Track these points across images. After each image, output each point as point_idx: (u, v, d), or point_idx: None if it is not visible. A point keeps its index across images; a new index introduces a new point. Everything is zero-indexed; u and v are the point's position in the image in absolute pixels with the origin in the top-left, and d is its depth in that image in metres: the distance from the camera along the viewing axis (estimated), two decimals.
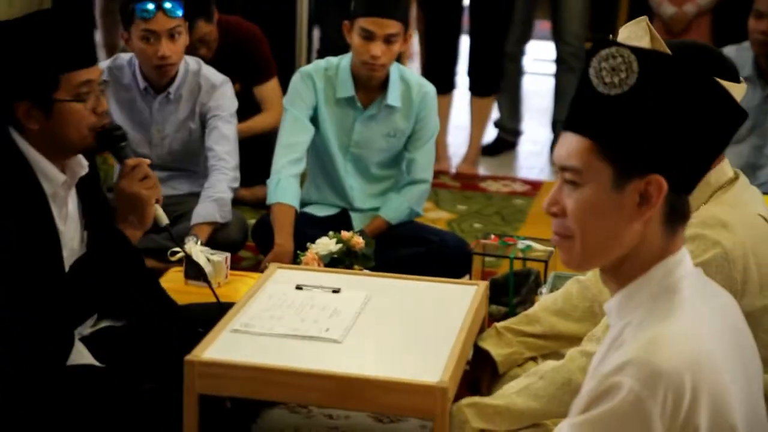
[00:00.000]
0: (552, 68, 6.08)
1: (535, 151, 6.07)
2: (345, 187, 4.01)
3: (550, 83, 6.12)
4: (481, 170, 5.58)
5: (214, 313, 2.78)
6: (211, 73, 3.99)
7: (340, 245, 3.35)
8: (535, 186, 5.34)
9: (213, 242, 3.65)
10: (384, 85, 3.90)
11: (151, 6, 3.73)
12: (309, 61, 5.39)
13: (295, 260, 3.49)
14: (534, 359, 2.78)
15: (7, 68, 2.48)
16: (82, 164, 2.62)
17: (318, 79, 3.92)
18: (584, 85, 1.69)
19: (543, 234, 3.26)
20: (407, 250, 3.83)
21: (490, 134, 5.95)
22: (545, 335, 2.77)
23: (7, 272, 2.42)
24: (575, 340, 2.77)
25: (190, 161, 4.07)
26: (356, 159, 4.00)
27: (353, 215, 4.02)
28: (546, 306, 2.80)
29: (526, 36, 5.91)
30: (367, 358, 2.45)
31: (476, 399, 2.46)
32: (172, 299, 2.89)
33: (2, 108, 2.49)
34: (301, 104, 3.90)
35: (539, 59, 7.39)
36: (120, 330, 2.77)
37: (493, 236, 3.55)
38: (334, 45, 4.84)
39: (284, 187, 3.81)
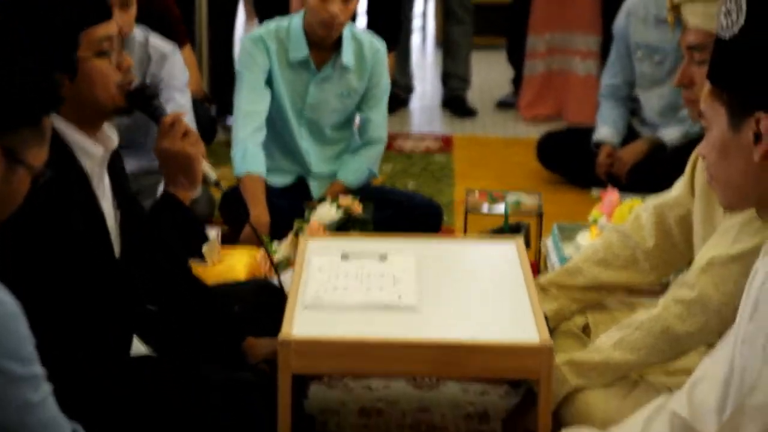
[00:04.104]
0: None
1: (427, 105, 6.07)
2: (301, 151, 3.90)
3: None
4: None
5: (244, 292, 2.68)
6: (159, 43, 3.79)
7: (341, 211, 3.26)
8: (447, 141, 5.34)
9: None
10: (337, 44, 3.80)
11: None
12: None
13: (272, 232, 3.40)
14: (581, 312, 2.77)
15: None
16: (112, 137, 2.45)
17: (270, 41, 3.79)
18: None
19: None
20: (376, 214, 3.76)
21: None
22: (589, 286, 2.76)
23: (61, 263, 2.24)
24: (619, 289, 2.79)
25: (138, 135, 3.87)
26: (311, 122, 3.89)
27: (311, 181, 3.91)
28: (587, 257, 2.79)
29: None
30: (452, 323, 2.38)
31: (572, 356, 2.44)
32: (201, 280, 2.74)
33: None
34: (256, 68, 3.76)
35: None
36: (157, 314, 2.61)
37: (478, 193, 3.52)
38: None
39: (252, 156, 3.68)
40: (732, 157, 1.74)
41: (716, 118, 1.76)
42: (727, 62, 1.73)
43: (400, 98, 5.95)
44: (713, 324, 2.34)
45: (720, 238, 2.38)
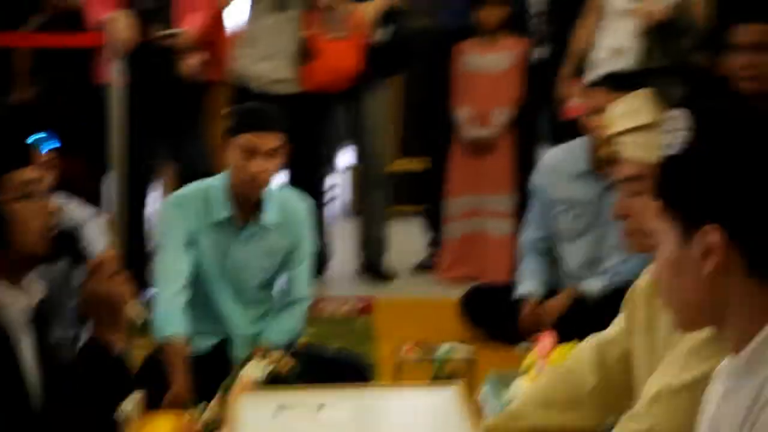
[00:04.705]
0: None
1: (346, 270, 6.06)
2: (224, 313, 3.80)
3: None
4: None
5: None
6: (76, 210, 3.73)
7: (272, 366, 3.16)
8: (367, 305, 5.32)
9: None
10: (259, 203, 3.76)
11: None
12: None
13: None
14: None
15: None
16: (37, 287, 2.35)
17: (192, 202, 3.73)
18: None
19: None
20: (306, 370, 3.65)
21: None
22: (533, 430, 2.69)
23: None
24: (563, 431, 2.72)
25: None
26: (234, 283, 3.81)
27: (235, 343, 3.80)
28: (529, 399, 2.73)
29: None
30: None
31: None
32: None
33: None
34: (177, 230, 3.70)
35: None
36: None
37: (407, 346, 3.45)
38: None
39: (174, 319, 3.57)
40: (685, 274, 1.71)
41: (665, 236, 1.74)
42: (672, 179, 1.72)
43: (318, 264, 5.91)
44: None
45: (668, 368, 2.33)
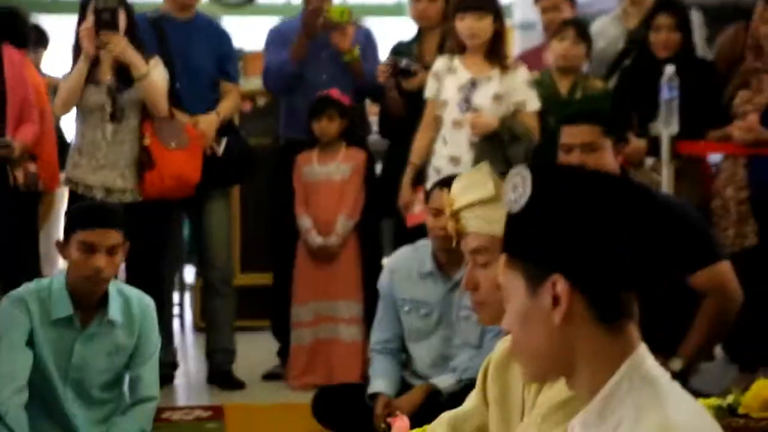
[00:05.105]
0: None
1: (193, 380, 5.96)
2: (67, 415, 3.67)
3: None
4: None
5: None
6: None
7: None
8: (217, 411, 5.23)
9: None
10: (103, 300, 3.68)
11: None
12: None
13: None
14: None
15: None
16: None
17: (31, 301, 3.62)
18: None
19: None
20: None
21: None
22: None
23: None
24: None
25: None
26: (77, 383, 3.69)
27: None
28: None
29: None
30: None
31: None
32: None
33: None
34: (16, 329, 3.58)
35: None
36: None
37: None
38: None
39: (13, 420, 3.43)
40: (533, 325, 1.74)
41: (513, 289, 1.77)
42: (518, 232, 1.77)
43: (167, 376, 5.78)
44: None
45: None
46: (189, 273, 7.46)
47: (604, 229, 1.70)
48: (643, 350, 1.73)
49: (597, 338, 1.71)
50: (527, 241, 1.74)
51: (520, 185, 1.75)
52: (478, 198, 2.48)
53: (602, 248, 1.70)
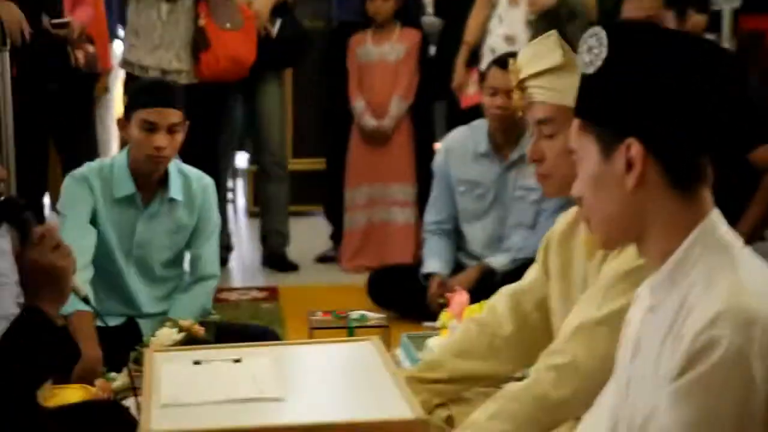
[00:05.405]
0: None
1: (248, 263, 6.03)
2: (130, 292, 3.74)
3: None
4: None
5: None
6: None
7: (183, 334, 3.11)
8: (272, 292, 5.30)
9: None
10: (163, 179, 3.72)
11: None
12: None
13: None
14: (443, 405, 2.69)
15: None
16: None
17: (94, 179, 3.66)
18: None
19: None
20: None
21: None
22: (451, 379, 2.70)
23: None
24: (482, 379, 2.73)
25: None
26: (139, 261, 3.75)
27: (141, 322, 3.74)
28: (446, 349, 2.74)
29: None
30: (322, 409, 2.26)
31: None
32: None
33: None
34: (80, 206, 3.63)
35: None
36: None
37: (321, 312, 3.44)
38: None
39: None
40: (606, 189, 1.73)
41: (586, 153, 1.75)
42: (593, 95, 1.74)
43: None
44: (586, 388, 2.28)
45: (585, 304, 2.36)
46: (241, 159, 7.50)
47: (682, 90, 1.67)
48: (716, 216, 1.72)
49: (670, 203, 1.70)
50: (602, 105, 1.72)
51: (595, 46, 1.72)
52: (546, 67, 2.46)
53: (680, 110, 1.68)
